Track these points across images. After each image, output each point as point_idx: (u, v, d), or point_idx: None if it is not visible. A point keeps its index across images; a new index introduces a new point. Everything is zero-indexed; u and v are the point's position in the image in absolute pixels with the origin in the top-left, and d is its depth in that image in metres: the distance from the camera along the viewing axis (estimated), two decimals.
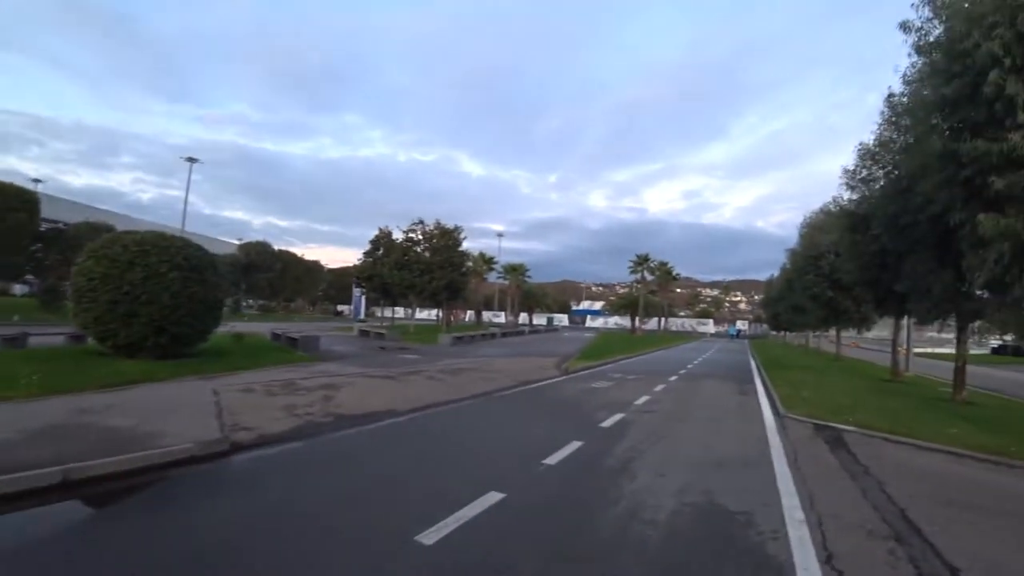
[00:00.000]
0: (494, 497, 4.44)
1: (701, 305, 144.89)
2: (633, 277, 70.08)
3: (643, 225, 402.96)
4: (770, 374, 17.71)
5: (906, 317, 18.62)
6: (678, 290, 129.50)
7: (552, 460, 5.80)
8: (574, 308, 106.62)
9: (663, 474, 5.48)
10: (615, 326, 78.28)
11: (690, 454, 6.44)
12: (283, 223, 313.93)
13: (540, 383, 13.19)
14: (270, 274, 60.17)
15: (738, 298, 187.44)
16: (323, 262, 78.52)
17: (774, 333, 72.82)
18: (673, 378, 15.75)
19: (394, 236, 34.13)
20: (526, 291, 72.60)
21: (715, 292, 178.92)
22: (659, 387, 13.18)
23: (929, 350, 46.12)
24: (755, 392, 13.16)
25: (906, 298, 13.74)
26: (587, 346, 29.22)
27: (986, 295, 10.79)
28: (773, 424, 8.73)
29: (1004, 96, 7.81)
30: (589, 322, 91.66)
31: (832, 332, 34.98)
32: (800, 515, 4.36)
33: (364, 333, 27.89)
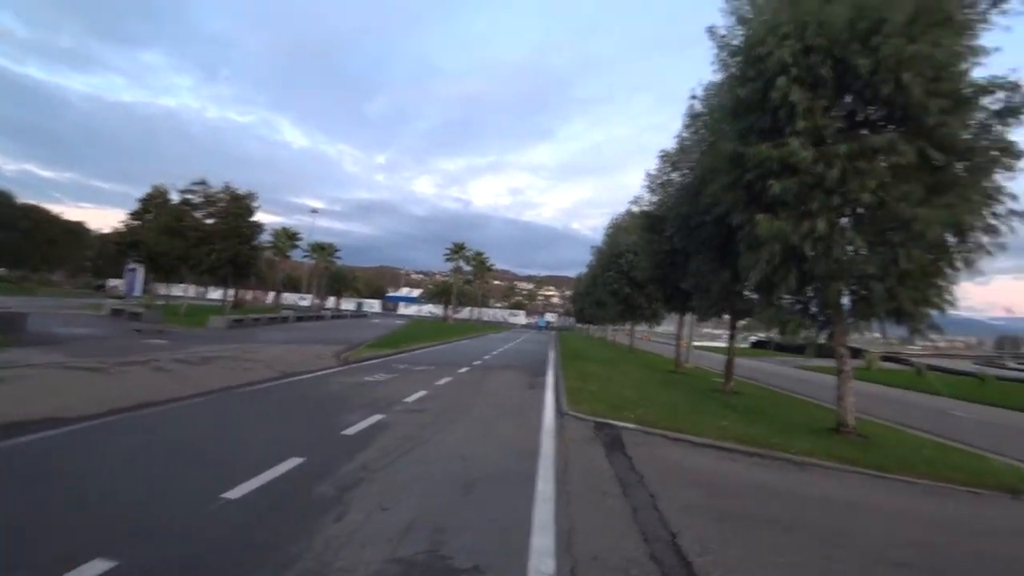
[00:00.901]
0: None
1: (516, 297, 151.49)
2: (450, 265, 69.96)
3: (468, 216, 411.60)
4: (565, 365, 17.87)
5: (689, 313, 20.24)
6: (496, 282, 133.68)
7: (237, 492, 4.03)
8: (389, 294, 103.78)
9: (387, 506, 4.06)
10: (429, 314, 77.56)
11: (439, 471, 5.16)
12: (48, 174, 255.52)
13: (306, 375, 11.30)
14: (11, 234, 47.07)
15: (551, 292, 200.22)
16: (94, 225, 64.14)
17: (580, 326, 78.44)
18: (464, 369, 14.85)
19: (171, 197, 28.52)
20: (335, 273, 68.05)
21: (530, 286, 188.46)
22: (444, 380, 12.08)
23: (707, 344, 52.98)
24: (544, 385, 12.69)
25: (690, 295, 14.58)
26: (388, 334, 27.59)
27: (755, 296, 11.61)
28: (552, 424, 7.96)
29: (788, 103, 8.03)
30: (403, 309, 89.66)
31: (628, 326, 38.07)
32: (549, 567, 3.29)
33: (117, 312, 22.75)
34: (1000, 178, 7.81)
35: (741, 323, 15.07)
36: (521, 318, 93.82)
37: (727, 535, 4.09)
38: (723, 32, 9.87)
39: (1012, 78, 7.51)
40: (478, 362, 17.71)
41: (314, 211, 62.27)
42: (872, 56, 7.52)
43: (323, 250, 60.97)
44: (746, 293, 11.88)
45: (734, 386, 14.42)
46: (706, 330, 46.35)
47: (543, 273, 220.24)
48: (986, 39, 7.76)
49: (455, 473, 5.13)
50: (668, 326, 45.97)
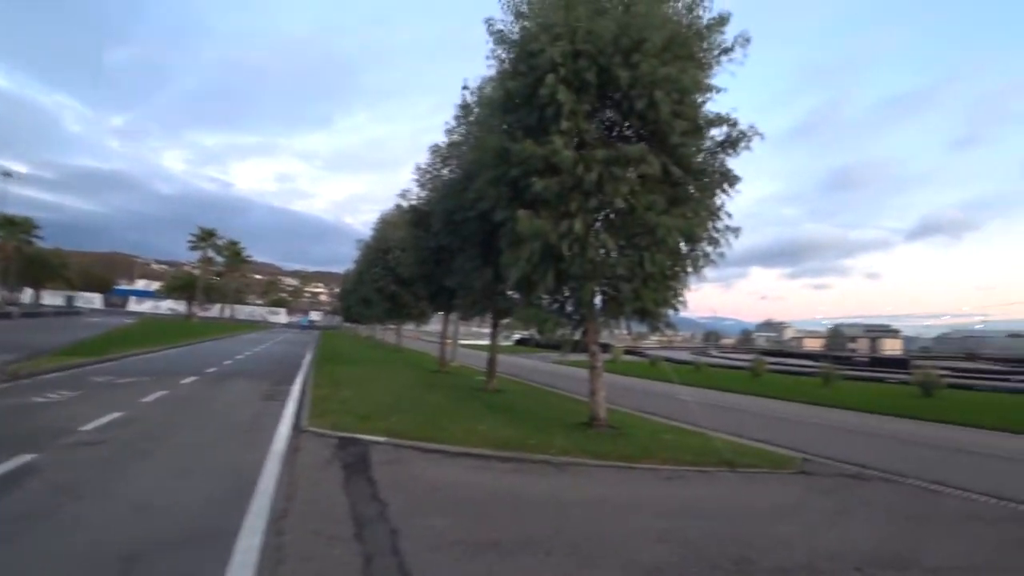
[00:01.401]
0: None
1: (281, 293, 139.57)
2: (197, 255, 60.33)
3: (228, 200, 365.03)
4: (319, 369, 16.16)
5: (454, 312, 20.12)
6: (257, 276, 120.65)
7: None
8: (119, 287, 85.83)
9: None
10: (169, 311, 66.07)
11: (88, 541, 3.50)
12: None
13: None
14: None
15: (320, 289, 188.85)
16: None
17: (348, 325, 74.92)
18: (190, 379, 12.18)
19: None
20: (32, 257, 53.13)
21: (296, 282, 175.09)
22: (154, 396, 9.55)
23: (474, 342, 54.76)
24: (288, 395, 10.89)
25: (454, 293, 14.24)
26: (99, 336, 22.16)
27: (516, 295, 11.73)
28: (284, 447, 6.53)
29: (555, 102, 8.06)
30: (134, 305, 74.98)
31: (396, 325, 37.11)
32: None
33: None
34: (721, 199, 8.94)
35: (503, 322, 15.32)
36: (282, 316, 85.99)
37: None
38: (500, 26, 9.66)
39: (733, 115, 8.72)
40: (212, 369, 14.82)
41: (8, 174, 46.65)
42: (631, 71, 7.94)
43: (13, 225, 46.83)
44: (509, 292, 11.93)
45: (497, 384, 14.53)
46: (474, 328, 47.97)
47: (312, 268, 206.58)
48: (717, 80, 8.88)
49: (114, 542, 3.48)
50: (438, 325, 46.37)
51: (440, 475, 6.03)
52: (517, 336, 58.39)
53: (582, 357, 10.89)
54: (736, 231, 8.81)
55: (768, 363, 31.31)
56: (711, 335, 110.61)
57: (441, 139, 14.54)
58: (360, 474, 5.64)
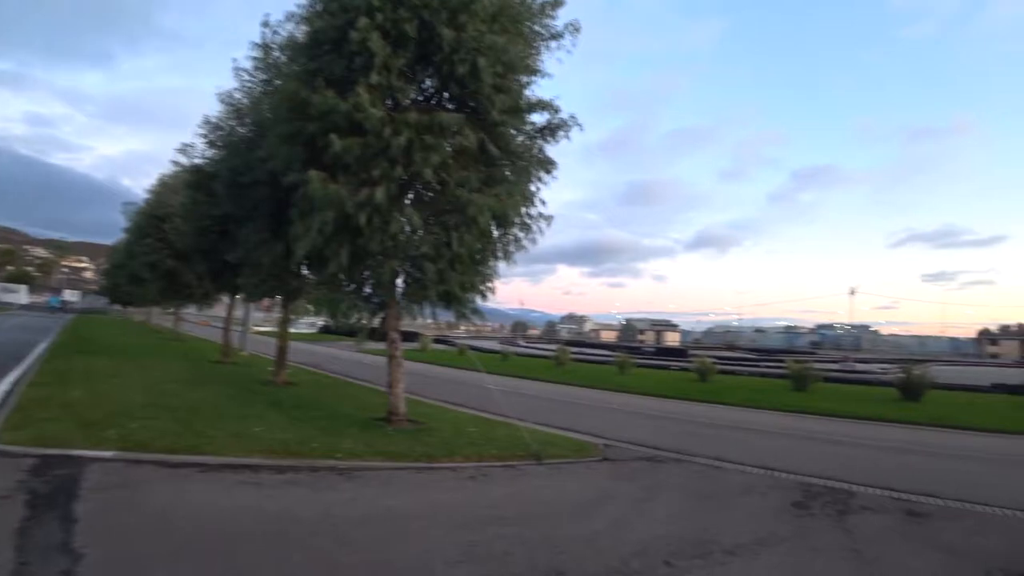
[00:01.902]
0: None
1: (27, 267, 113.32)
2: None
3: None
4: (50, 362, 12.75)
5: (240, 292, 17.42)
6: None
7: None
8: None
9: None
10: None
11: None
12: None
13: None
14: None
15: (84, 263, 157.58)
16: None
17: (117, 308, 63.06)
18: None
19: None
20: None
21: (48, 252, 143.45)
22: None
23: (272, 329, 49.50)
24: None
25: (239, 270, 12.09)
26: None
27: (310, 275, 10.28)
28: None
29: (366, 50, 7.00)
30: None
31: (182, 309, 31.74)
32: None
33: None
34: (537, 184, 8.59)
35: (303, 305, 13.57)
36: (22, 295, 69.59)
37: None
38: None
39: (556, 102, 8.39)
40: None
41: None
42: (457, 32, 7.16)
43: None
44: (301, 270, 10.38)
45: (287, 376, 12.75)
46: (276, 315, 43.53)
47: (75, 238, 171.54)
48: (543, 67, 8.49)
49: None
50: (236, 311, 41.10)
51: (183, 500, 4.66)
52: (321, 323, 54.54)
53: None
54: (549, 219, 8.55)
55: (571, 352, 33.42)
56: (519, 325, 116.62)
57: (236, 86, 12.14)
58: (54, 511, 4.03)
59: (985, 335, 74.09)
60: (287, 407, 9.39)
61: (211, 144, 13.52)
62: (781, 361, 36.01)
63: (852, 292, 73.94)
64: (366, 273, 8.25)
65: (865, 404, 15.97)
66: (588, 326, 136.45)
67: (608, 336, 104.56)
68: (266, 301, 21.16)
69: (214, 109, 12.65)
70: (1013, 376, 27.74)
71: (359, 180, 7.14)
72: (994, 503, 6.39)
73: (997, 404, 16.84)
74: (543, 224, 8.55)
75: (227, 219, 11.70)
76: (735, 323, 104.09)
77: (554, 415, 12.00)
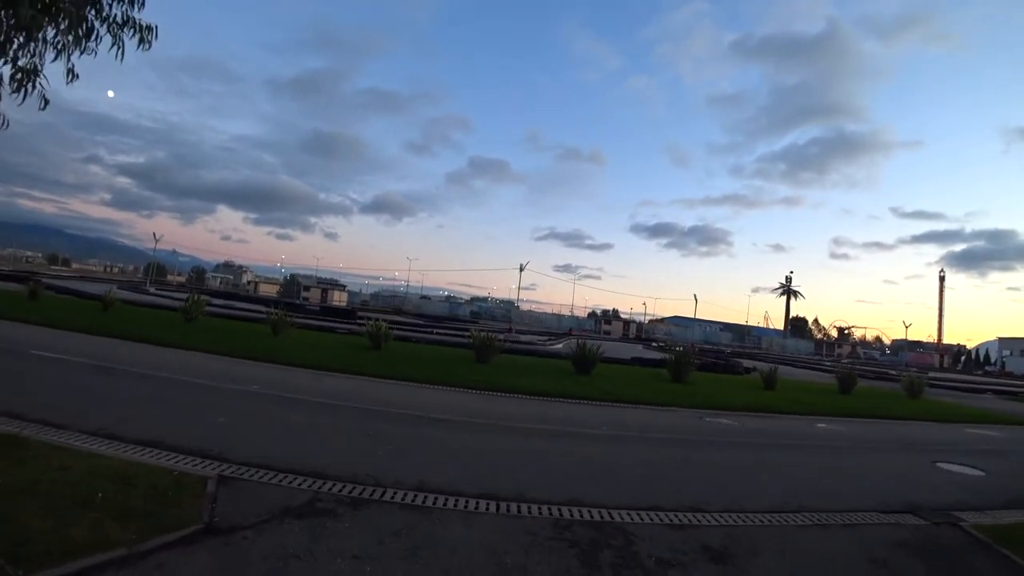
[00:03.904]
0: None
1: None
2: None
3: None
4: None
5: None
6: None
7: None
8: None
9: None
10: None
11: None
12: None
13: None
14: None
15: None
16: None
17: None
18: None
19: None
20: None
21: None
22: None
23: None
24: None
25: None
26: None
27: None
28: None
29: None
30: None
31: None
32: None
33: None
34: None
35: None
36: None
37: None
38: None
39: None
40: None
41: None
42: None
43: None
44: None
45: None
46: None
47: None
48: None
49: None
50: None
51: None
52: None
53: None
54: None
55: (212, 305, 26.47)
56: (158, 268, 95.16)
57: None
58: None
59: (601, 316, 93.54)
60: None
61: None
62: (453, 328, 36.34)
63: (522, 268, 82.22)
64: None
65: (552, 376, 15.32)
66: (247, 277, 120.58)
67: (269, 290, 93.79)
68: None
69: None
70: (647, 352, 34.14)
71: None
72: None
73: (643, 376, 18.58)
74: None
75: None
76: (403, 288, 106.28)
77: (143, 413, 6.95)
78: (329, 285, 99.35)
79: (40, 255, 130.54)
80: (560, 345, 32.93)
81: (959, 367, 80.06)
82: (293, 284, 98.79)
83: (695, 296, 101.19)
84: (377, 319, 20.16)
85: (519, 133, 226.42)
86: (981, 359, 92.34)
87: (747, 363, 31.02)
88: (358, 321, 27.21)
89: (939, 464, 9.59)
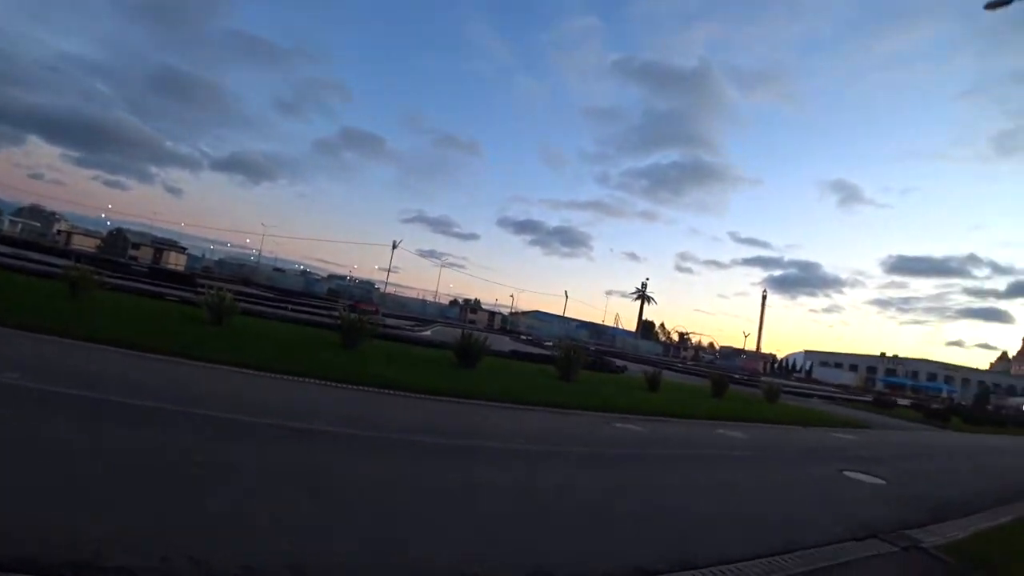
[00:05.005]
0: None
1: None
2: None
3: None
4: None
5: None
6: None
7: None
8: None
9: None
10: None
11: None
12: None
13: None
14: None
15: None
16: None
17: None
18: None
19: None
20: None
21: None
22: None
23: None
24: None
25: None
26: None
27: None
28: None
29: None
30: None
31: None
32: None
33: None
34: None
35: None
36: None
37: None
38: None
39: None
40: None
41: None
42: None
43: None
44: None
45: None
46: None
47: None
48: None
49: None
50: None
51: None
52: None
53: None
54: None
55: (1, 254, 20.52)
56: None
57: None
58: None
59: (465, 305, 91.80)
60: None
61: None
62: (309, 306, 32.33)
63: (395, 245, 77.27)
64: None
65: (434, 369, 13.19)
66: (60, 227, 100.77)
67: (87, 243, 79.16)
68: None
69: None
70: (522, 345, 32.86)
71: None
72: None
73: (530, 372, 17.11)
74: None
75: None
76: (253, 258, 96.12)
77: None
78: (165, 245, 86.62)
79: None
80: (429, 332, 30.79)
81: (772, 373, 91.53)
82: (119, 239, 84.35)
83: (566, 293, 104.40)
84: (221, 288, 16.47)
85: (399, 111, 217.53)
86: (789, 367, 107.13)
87: (618, 362, 31.33)
88: (197, 289, 22.61)
89: (846, 473, 9.47)
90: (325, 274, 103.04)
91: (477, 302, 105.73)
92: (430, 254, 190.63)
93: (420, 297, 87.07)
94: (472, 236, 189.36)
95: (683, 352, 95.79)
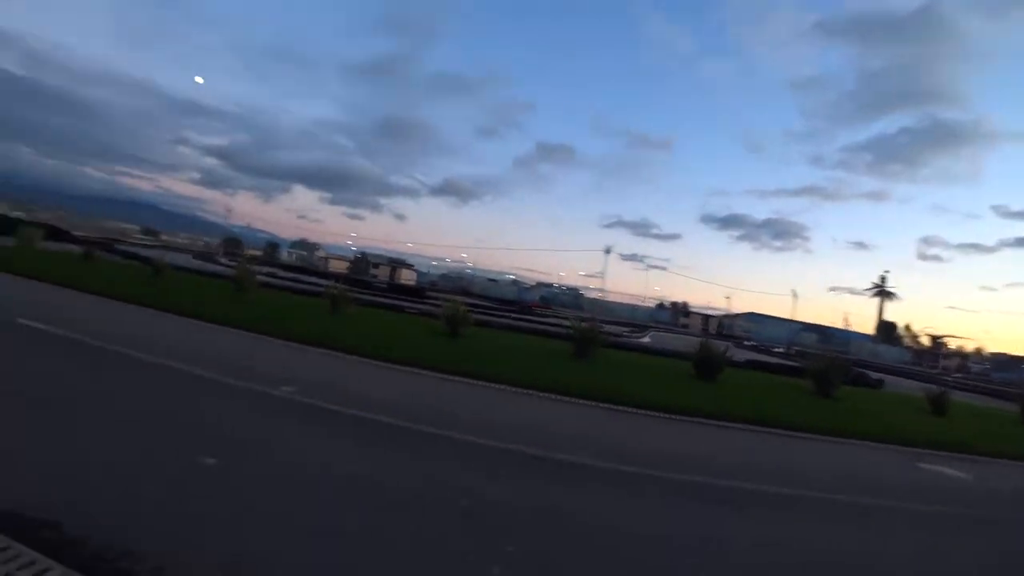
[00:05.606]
0: None
1: None
2: None
3: None
4: None
5: None
6: None
7: None
8: None
9: None
10: None
11: None
12: None
13: None
14: None
15: None
16: None
17: None
18: None
19: None
20: None
21: None
22: None
23: None
24: None
25: None
26: None
27: None
28: None
29: None
30: None
31: None
32: None
33: None
34: None
35: None
36: None
37: None
38: None
39: None
40: None
41: None
42: None
43: None
44: None
45: None
46: None
47: None
48: None
49: None
50: None
51: None
52: None
53: None
54: None
55: (283, 277, 24.36)
56: (232, 243, 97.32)
57: None
58: None
59: (680, 308, 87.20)
60: None
61: None
62: (524, 313, 33.02)
63: (608, 251, 75.54)
64: None
65: (671, 382, 11.53)
66: (320, 254, 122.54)
67: (339, 267, 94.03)
68: None
69: None
70: (754, 353, 29.52)
71: None
72: None
73: (776, 386, 14.32)
74: None
75: None
76: (468, 270, 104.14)
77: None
78: (398, 264, 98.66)
79: (137, 228, 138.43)
80: (647, 339, 28.81)
81: None
82: (363, 261, 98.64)
83: (794, 292, 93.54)
84: (451, 299, 16.93)
85: (585, 118, 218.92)
86: None
87: (872, 374, 25.57)
88: (428, 301, 24.22)
89: None
90: (533, 282, 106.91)
91: (685, 304, 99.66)
92: (631, 257, 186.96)
93: (628, 302, 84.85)
94: (674, 236, 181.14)
95: (942, 361, 76.60)
